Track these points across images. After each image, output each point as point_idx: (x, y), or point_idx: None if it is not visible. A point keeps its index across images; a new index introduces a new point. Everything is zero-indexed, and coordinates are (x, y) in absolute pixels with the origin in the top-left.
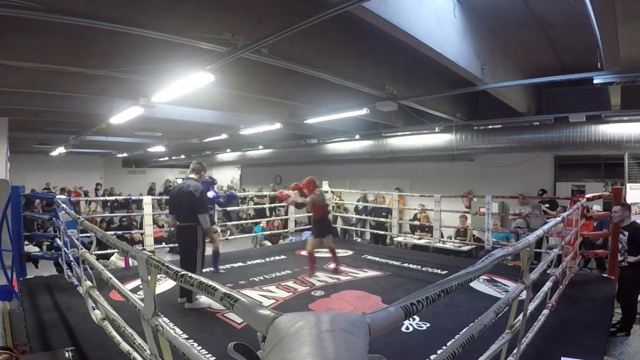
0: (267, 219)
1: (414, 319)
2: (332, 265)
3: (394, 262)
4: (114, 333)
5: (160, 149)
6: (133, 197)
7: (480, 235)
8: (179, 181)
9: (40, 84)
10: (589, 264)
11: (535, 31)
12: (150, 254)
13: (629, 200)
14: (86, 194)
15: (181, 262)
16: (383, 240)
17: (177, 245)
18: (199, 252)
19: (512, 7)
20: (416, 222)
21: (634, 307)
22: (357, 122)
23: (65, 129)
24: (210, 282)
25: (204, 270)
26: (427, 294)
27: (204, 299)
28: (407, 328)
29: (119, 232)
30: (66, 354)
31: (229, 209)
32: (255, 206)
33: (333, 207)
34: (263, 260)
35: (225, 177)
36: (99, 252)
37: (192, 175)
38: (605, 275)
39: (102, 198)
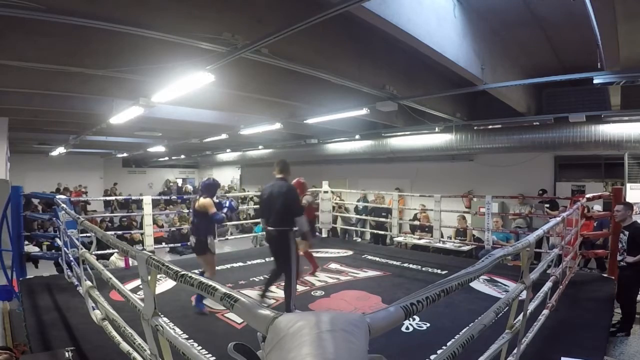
0: None
1: (414, 319)
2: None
3: (394, 262)
4: (114, 333)
5: (160, 149)
6: (133, 197)
7: (480, 235)
8: (180, 181)
9: (40, 84)
10: (589, 264)
11: (535, 31)
12: (150, 254)
13: (629, 200)
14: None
15: (278, 268)
16: (383, 240)
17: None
18: (293, 258)
19: (512, 7)
20: (416, 222)
21: (634, 307)
22: (357, 122)
23: (65, 129)
24: (210, 282)
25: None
26: (427, 294)
27: None
28: (407, 328)
29: (119, 232)
30: (66, 354)
31: None
32: (255, 206)
33: (334, 207)
34: (263, 260)
35: (226, 177)
36: (99, 252)
37: (282, 175)
38: (605, 275)
39: (102, 198)
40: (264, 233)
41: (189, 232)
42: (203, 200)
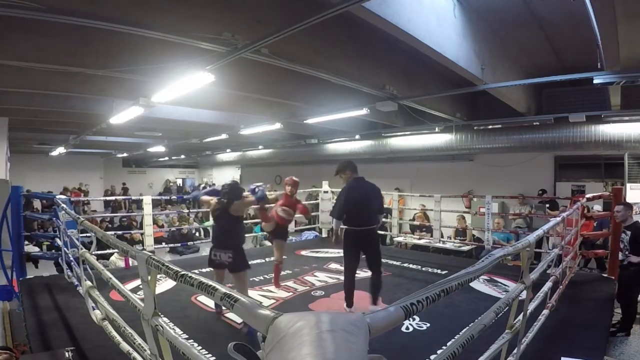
0: None
1: (414, 319)
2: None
3: (394, 262)
4: (114, 333)
5: (160, 149)
6: (133, 197)
7: (480, 235)
8: (179, 181)
9: (40, 84)
10: (589, 264)
11: (535, 31)
12: (150, 254)
13: (628, 200)
14: (86, 193)
15: (373, 265)
16: (383, 240)
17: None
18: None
19: (512, 6)
20: (415, 223)
21: (634, 307)
22: (357, 122)
23: (65, 129)
24: (210, 282)
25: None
26: (427, 294)
27: None
28: (407, 328)
29: (119, 232)
30: (66, 354)
31: None
32: (255, 206)
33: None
34: (263, 260)
35: (225, 177)
36: (99, 252)
37: (358, 175)
38: (605, 275)
39: (102, 198)
40: (264, 233)
41: (213, 246)
42: (240, 202)
